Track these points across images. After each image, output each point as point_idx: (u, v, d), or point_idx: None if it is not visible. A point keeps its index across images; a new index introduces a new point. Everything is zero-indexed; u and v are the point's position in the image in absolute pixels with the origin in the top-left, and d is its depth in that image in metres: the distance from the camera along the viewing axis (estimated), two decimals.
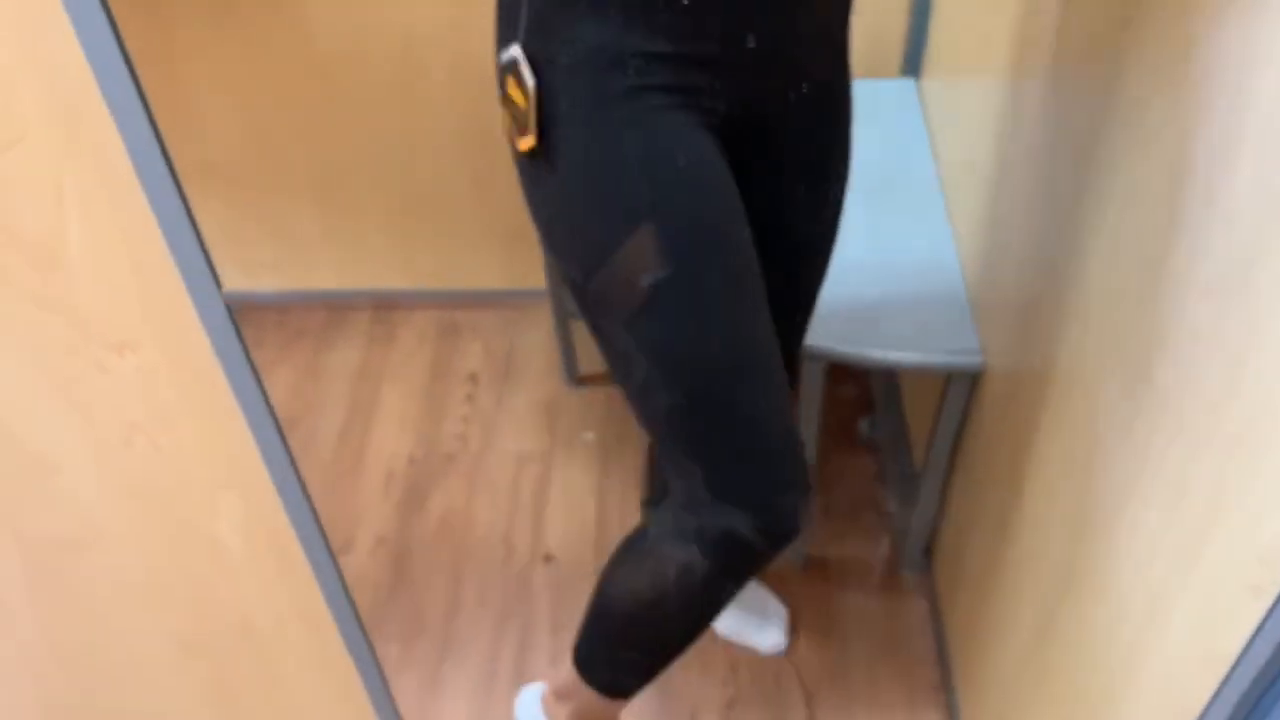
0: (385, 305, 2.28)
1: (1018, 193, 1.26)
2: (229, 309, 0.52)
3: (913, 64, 1.87)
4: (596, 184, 0.89)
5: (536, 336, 2.20)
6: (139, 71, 0.52)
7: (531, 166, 0.93)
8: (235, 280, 2.24)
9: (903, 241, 1.59)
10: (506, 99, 0.90)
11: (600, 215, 0.91)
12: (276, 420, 0.54)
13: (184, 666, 0.66)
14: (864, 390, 2.04)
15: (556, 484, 1.93)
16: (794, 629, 1.71)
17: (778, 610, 1.68)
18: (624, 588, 1.15)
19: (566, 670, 1.30)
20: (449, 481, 1.94)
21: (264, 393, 0.54)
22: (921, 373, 1.46)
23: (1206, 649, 0.74)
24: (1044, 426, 1.15)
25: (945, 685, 1.63)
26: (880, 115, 1.82)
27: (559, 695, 1.37)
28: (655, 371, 0.96)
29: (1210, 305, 0.75)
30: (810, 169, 1.08)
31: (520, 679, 1.65)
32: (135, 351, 0.51)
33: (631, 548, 1.16)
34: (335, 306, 2.28)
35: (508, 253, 2.17)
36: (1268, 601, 0.65)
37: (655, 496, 1.52)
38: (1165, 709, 0.82)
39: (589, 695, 1.28)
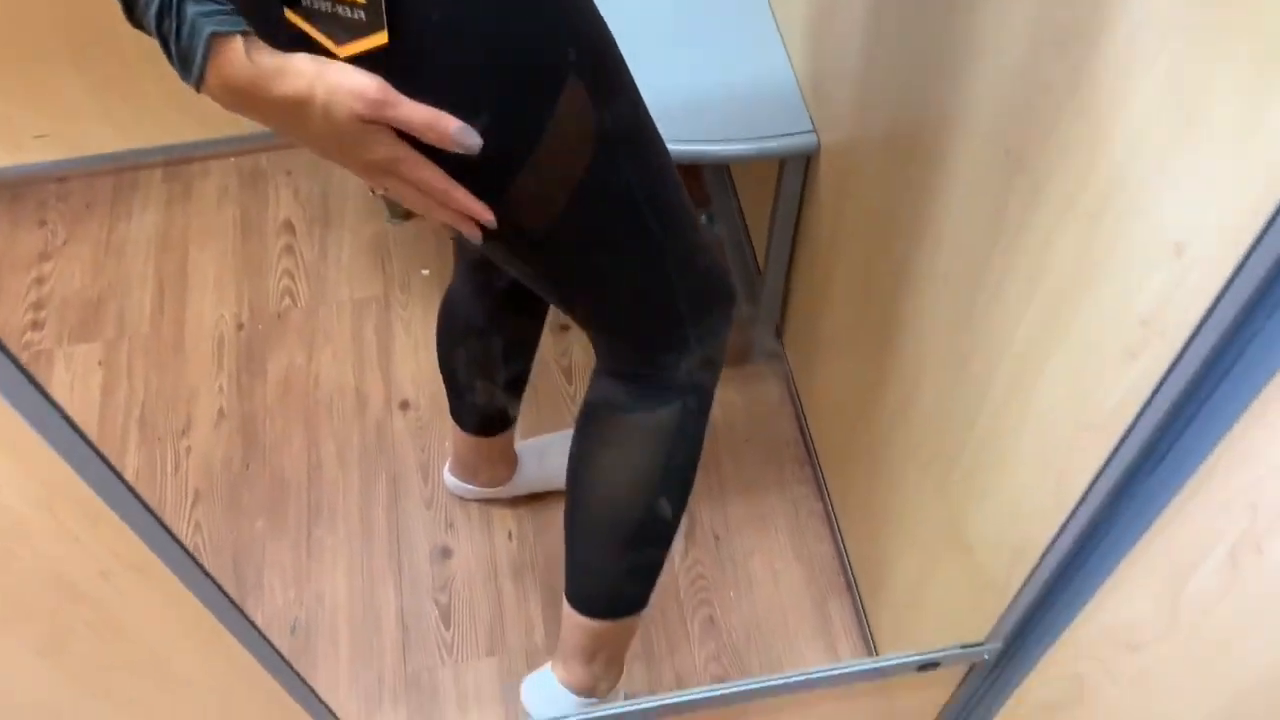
0: (177, 161, 2.08)
1: None
2: None
3: None
4: (510, 43, 0.73)
5: (350, 172, 2.06)
6: None
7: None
8: (3, 156, 2.00)
9: (717, 24, 1.52)
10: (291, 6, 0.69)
11: (524, 81, 0.75)
12: (21, 366, 0.46)
13: (10, 629, 0.60)
14: (698, 182, 2.00)
15: (399, 326, 1.85)
16: None
17: None
18: (625, 480, 1.07)
19: (579, 630, 1.18)
20: (285, 341, 1.84)
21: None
22: (753, 160, 1.43)
23: (1082, 417, 0.76)
24: (890, 198, 1.14)
25: (811, 460, 1.69)
26: None
27: (585, 658, 1.22)
28: (625, 224, 0.86)
29: (1066, 60, 0.73)
30: None
31: (397, 531, 1.63)
32: None
33: (606, 442, 1.08)
34: (122, 170, 2.07)
35: None
36: (1146, 364, 0.66)
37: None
38: (1043, 475, 0.85)
39: (621, 629, 1.19)
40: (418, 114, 0.72)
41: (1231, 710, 0.70)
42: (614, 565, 1.14)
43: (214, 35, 0.66)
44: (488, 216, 0.79)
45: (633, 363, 1.02)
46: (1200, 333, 0.60)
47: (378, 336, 1.84)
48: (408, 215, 1.98)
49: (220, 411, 1.76)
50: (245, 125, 2.03)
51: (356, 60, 0.70)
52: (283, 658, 0.81)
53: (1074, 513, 0.78)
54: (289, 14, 0.70)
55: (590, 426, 1.10)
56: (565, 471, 1.60)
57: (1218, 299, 0.58)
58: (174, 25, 0.66)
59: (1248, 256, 0.55)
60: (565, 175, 0.81)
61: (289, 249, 1.96)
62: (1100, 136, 0.70)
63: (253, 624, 0.73)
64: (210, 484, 1.68)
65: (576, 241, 0.87)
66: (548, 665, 1.27)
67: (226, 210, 2.01)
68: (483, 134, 0.74)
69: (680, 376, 1.01)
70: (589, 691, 1.25)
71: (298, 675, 0.85)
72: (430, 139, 0.73)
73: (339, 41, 0.70)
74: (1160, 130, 0.63)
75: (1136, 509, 0.74)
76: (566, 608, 1.19)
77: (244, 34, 0.67)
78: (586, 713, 0.98)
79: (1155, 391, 0.65)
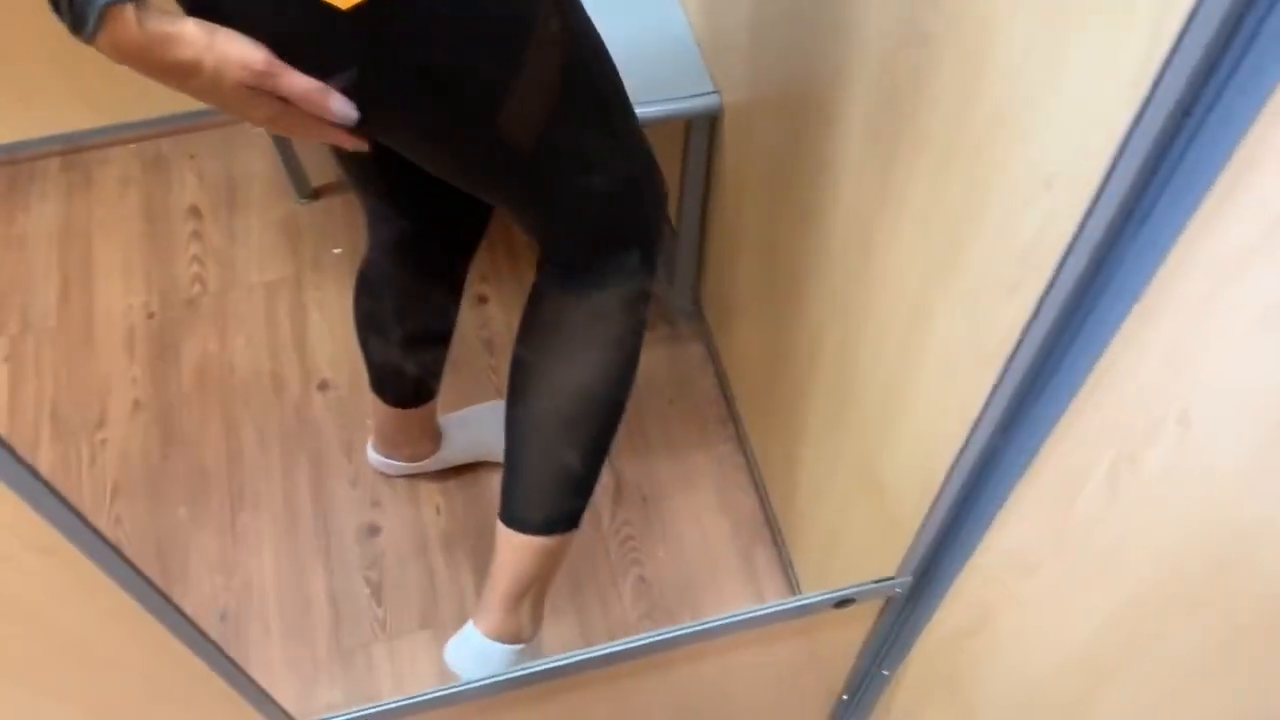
0: (75, 149, 2.03)
1: None
2: None
3: None
4: None
5: (255, 154, 2.03)
6: None
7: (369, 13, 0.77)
8: None
9: None
10: None
11: (505, 5, 0.82)
12: None
13: None
14: None
15: (313, 307, 1.84)
16: None
17: None
18: (571, 375, 1.10)
19: (515, 557, 1.19)
20: (197, 328, 1.82)
21: None
22: (659, 123, 1.44)
23: (974, 352, 0.79)
24: (790, 153, 1.16)
25: (733, 418, 1.72)
26: None
27: (514, 600, 1.22)
28: (600, 124, 0.95)
29: (942, 11, 0.75)
30: None
31: (323, 511, 1.62)
32: None
33: (551, 340, 1.10)
34: (17, 162, 2.01)
35: None
36: (1025, 297, 0.69)
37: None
38: (943, 411, 0.88)
39: (555, 554, 1.20)
40: (298, 84, 0.77)
41: (1118, 620, 0.74)
42: (557, 469, 1.15)
43: (107, 7, 0.69)
44: (357, 144, 0.85)
45: (584, 263, 1.06)
46: (1067, 262, 0.63)
47: (292, 318, 1.82)
48: (317, 194, 1.96)
49: (135, 402, 1.73)
50: (144, 111, 1.99)
51: (360, 9, 0.74)
52: (206, 637, 0.81)
53: (967, 444, 0.81)
54: None
55: (534, 332, 1.12)
56: (490, 443, 1.61)
57: (1080, 228, 0.61)
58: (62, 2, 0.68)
59: (1104, 186, 0.58)
60: (546, 85, 0.87)
61: (196, 234, 1.93)
62: (975, 81, 0.73)
63: (171, 602, 0.73)
64: (129, 476, 1.66)
65: (561, 146, 0.93)
66: (468, 625, 1.26)
67: (129, 198, 1.97)
68: (477, 54, 0.81)
69: (628, 280, 1.06)
70: (515, 638, 1.25)
71: (224, 655, 0.85)
72: (310, 109, 0.78)
73: None
74: (1029, 70, 0.66)
75: (1025, 436, 0.77)
76: (503, 536, 1.19)
77: (135, 2, 0.70)
78: (519, 670, 0.99)
79: (1031, 321, 0.68)
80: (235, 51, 0.74)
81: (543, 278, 1.11)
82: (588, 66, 0.92)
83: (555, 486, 1.17)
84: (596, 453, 1.16)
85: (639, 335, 1.12)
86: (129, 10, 0.70)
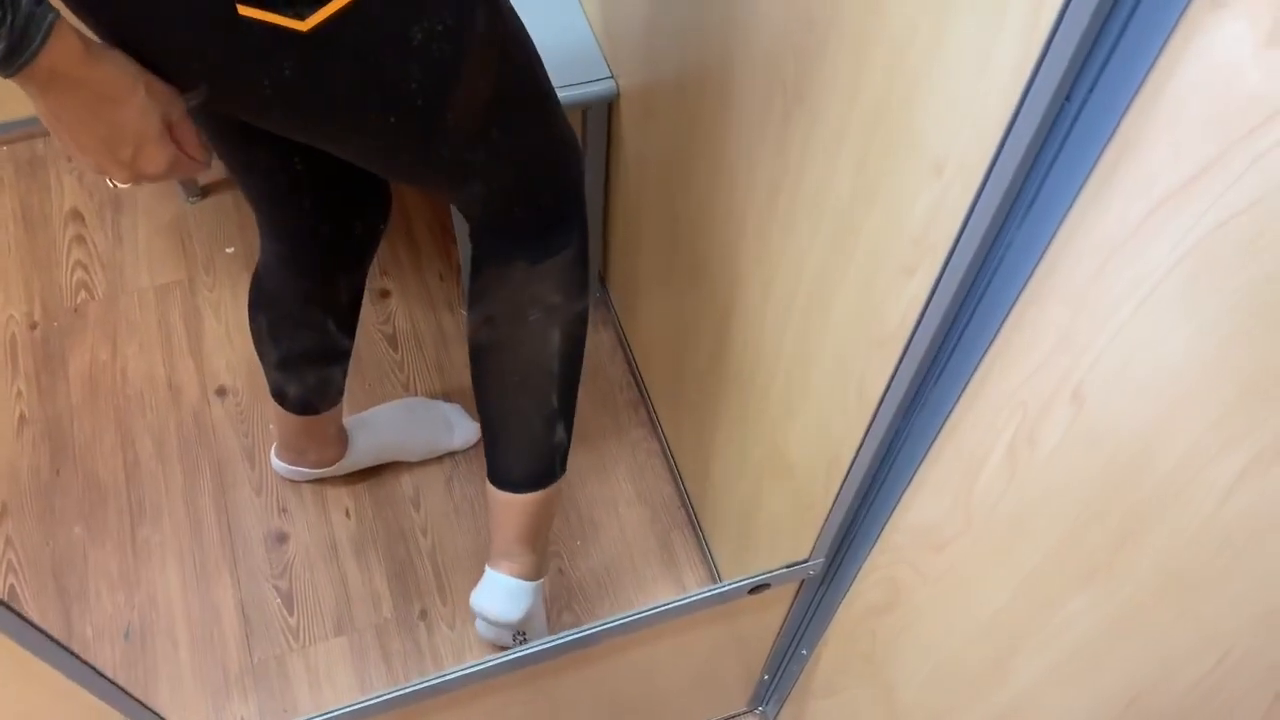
0: None
1: None
2: None
3: None
4: None
5: None
6: None
7: (330, 36, 0.76)
8: None
9: None
10: None
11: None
12: None
13: None
14: None
15: (207, 310, 1.77)
16: None
17: (450, 408, 1.67)
18: (537, 337, 1.12)
19: (520, 514, 1.22)
20: (85, 336, 1.74)
21: None
22: None
23: (872, 335, 0.79)
24: (686, 138, 1.15)
25: (644, 402, 1.71)
26: None
27: (530, 541, 1.26)
28: (531, 94, 0.97)
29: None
30: None
31: (228, 521, 1.57)
32: None
33: (510, 311, 1.11)
34: None
35: None
36: (921, 279, 0.69)
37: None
38: (845, 394, 0.88)
39: (553, 499, 1.24)
40: (191, 129, 0.80)
41: (1024, 591, 0.75)
42: (540, 431, 1.18)
43: (57, 20, 0.66)
44: (202, 170, 0.85)
45: (529, 230, 1.07)
46: (959, 247, 0.63)
47: (185, 322, 1.76)
48: (205, 193, 1.90)
49: (21, 417, 1.65)
50: (14, 111, 1.90)
51: (322, 24, 0.73)
52: (71, 653, 0.76)
53: (871, 425, 0.82)
54: (243, 9, 0.71)
55: (489, 306, 1.12)
56: (398, 444, 1.59)
57: (970, 213, 0.61)
58: (9, 14, 0.64)
59: (990, 172, 0.58)
60: (485, 73, 0.87)
61: (79, 239, 1.85)
62: (861, 65, 0.72)
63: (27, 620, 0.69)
64: (18, 495, 1.58)
65: (500, 128, 0.94)
66: (488, 573, 1.29)
67: (4, 202, 1.88)
68: (429, 49, 0.81)
69: (569, 236, 1.08)
70: (536, 575, 1.30)
71: (79, 658, 0.80)
72: (190, 151, 0.81)
73: (304, 16, 0.73)
74: (912, 57, 0.66)
75: (926, 417, 0.78)
76: (501, 500, 1.22)
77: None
78: (434, 677, 0.97)
79: (927, 305, 0.69)
80: (168, 86, 0.75)
81: (486, 251, 1.11)
82: (519, 45, 0.93)
83: (541, 446, 1.20)
84: (570, 399, 1.20)
85: (585, 279, 1.13)
86: (67, 25, 0.67)
